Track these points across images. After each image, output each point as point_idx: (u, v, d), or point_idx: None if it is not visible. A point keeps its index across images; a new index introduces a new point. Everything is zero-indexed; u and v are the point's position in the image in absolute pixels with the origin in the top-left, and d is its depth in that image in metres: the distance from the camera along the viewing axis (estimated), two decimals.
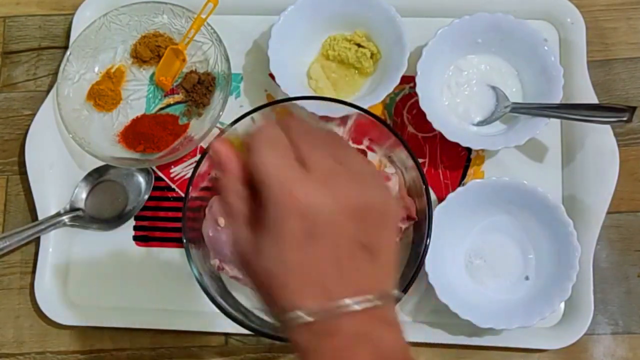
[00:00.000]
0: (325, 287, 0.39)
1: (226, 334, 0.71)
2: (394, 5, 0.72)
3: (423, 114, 0.70)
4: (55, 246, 0.73)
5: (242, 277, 0.66)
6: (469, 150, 0.74)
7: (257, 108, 0.66)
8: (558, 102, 0.70)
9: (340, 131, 0.72)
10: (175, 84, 0.78)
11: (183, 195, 0.71)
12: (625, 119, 0.67)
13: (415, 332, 0.68)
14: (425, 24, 0.75)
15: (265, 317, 0.66)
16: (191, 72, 0.77)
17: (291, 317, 0.40)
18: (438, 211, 0.67)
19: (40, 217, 0.73)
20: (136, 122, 0.76)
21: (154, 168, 0.75)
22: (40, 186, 0.75)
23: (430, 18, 0.76)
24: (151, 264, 0.73)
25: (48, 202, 0.74)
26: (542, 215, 0.68)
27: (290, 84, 0.72)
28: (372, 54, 0.74)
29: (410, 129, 0.75)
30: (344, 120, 0.72)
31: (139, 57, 0.78)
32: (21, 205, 0.77)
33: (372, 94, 0.71)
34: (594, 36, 0.76)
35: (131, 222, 0.75)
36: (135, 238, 0.74)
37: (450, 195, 0.68)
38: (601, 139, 0.71)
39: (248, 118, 0.66)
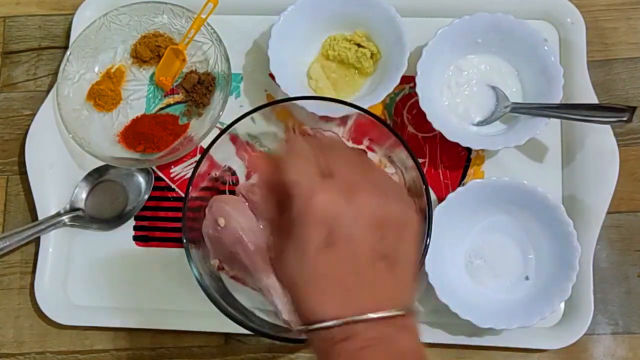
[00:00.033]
0: (343, 296, 0.40)
1: (226, 334, 0.71)
2: (394, 5, 0.72)
3: (423, 114, 0.70)
4: (55, 246, 0.73)
5: (242, 277, 0.66)
6: (469, 150, 0.74)
7: (257, 108, 0.66)
8: (558, 102, 0.70)
9: (340, 131, 0.72)
10: (175, 84, 0.78)
11: (183, 195, 0.71)
12: (625, 119, 0.67)
13: None
14: (425, 24, 0.75)
15: (266, 317, 0.66)
16: (191, 72, 0.77)
17: (309, 322, 0.41)
18: (438, 211, 0.67)
19: (40, 217, 0.73)
20: (136, 122, 0.76)
21: (154, 168, 0.75)
22: (40, 186, 0.75)
23: (430, 18, 0.76)
24: (151, 264, 0.73)
25: (48, 202, 0.74)
26: (542, 215, 0.68)
27: (290, 84, 0.72)
28: (372, 54, 0.74)
29: (410, 129, 0.75)
30: (344, 120, 0.72)
31: (139, 57, 0.78)
32: (21, 205, 0.77)
33: (372, 94, 0.71)
34: (594, 36, 0.76)
35: (131, 222, 0.75)
36: (135, 238, 0.74)
37: (450, 195, 0.68)
38: (601, 139, 0.71)
39: (248, 118, 0.66)
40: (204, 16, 0.74)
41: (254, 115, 0.66)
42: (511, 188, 0.68)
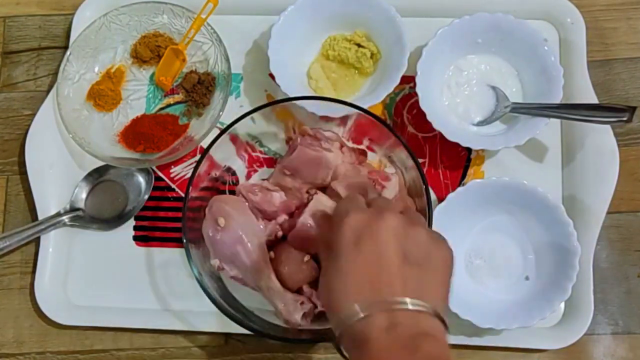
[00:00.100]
0: (369, 289, 0.43)
1: (226, 334, 0.71)
2: (394, 5, 0.72)
3: (423, 114, 0.70)
4: (55, 246, 0.73)
5: (242, 277, 0.66)
6: (469, 150, 0.74)
7: (257, 108, 0.66)
8: (558, 102, 0.70)
9: (340, 131, 0.72)
10: (175, 84, 0.78)
11: (183, 195, 0.71)
12: (625, 119, 0.67)
13: None
14: (425, 24, 0.75)
15: (266, 317, 0.66)
16: (191, 72, 0.77)
17: (342, 319, 0.43)
18: (438, 211, 0.67)
19: (40, 217, 0.73)
20: (136, 122, 0.76)
21: (154, 168, 0.75)
22: (40, 186, 0.75)
23: (430, 18, 0.76)
24: (151, 264, 0.73)
25: (48, 202, 0.74)
26: (542, 215, 0.68)
27: (290, 84, 0.72)
28: (372, 54, 0.74)
29: (410, 129, 0.75)
30: (344, 120, 0.72)
31: (139, 57, 0.78)
32: (21, 205, 0.77)
33: (372, 94, 0.71)
34: (594, 36, 0.76)
35: (131, 222, 0.75)
36: (135, 238, 0.74)
37: (450, 195, 0.68)
38: (601, 139, 0.71)
39: (248, 118, 0.66)
40: (204, 16, 0.74)
41: (254, 115, 0.66)
42: (511, 188, 0.68)
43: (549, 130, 0.72)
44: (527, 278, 0.69)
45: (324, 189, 0.68)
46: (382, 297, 0.43)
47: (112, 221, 0.74)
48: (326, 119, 0.72)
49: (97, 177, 0.75)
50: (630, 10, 0.78)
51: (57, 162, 0.75)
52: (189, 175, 0.67)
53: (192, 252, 0.64)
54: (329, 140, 0.69)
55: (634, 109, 0.67)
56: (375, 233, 0.45)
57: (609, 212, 0.70)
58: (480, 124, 0.73)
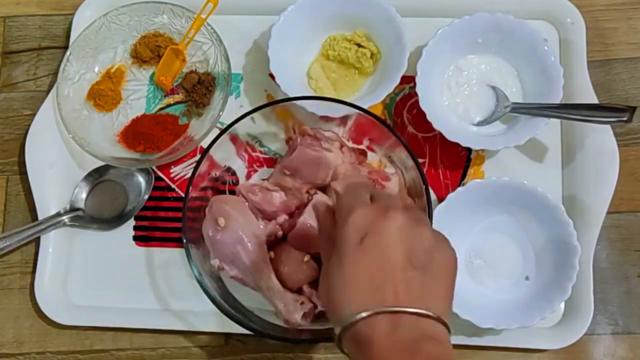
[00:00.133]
0: (373, 291, 0.43)
1: (226, 334, 0.71)
2: (394, 5, 0.72)
3: (423, 114, 0.70)
4: (55, 246, 0.73)
5: (242, 277, 0.66)
6: (469, 150, 0.74)
7: (257, 108, 0.66)
8: (558, 102, 0.70)
9: (340, 131, 0.72)
10: (175, 84, 0.78)
11: (183, 195, 0.71)
12: (625, 119, 0.67)
13: None
14: (425, 24, 0.75)
15: (266, 317, 0.66)
16: (191, 72, 0.77)
17: (341, 319, 0.43)
18: (438, 211, 0.67)
19: (40, 217, 0.73)
20: (136, 122, 0.76)
21: (154, 168, 0.75)
22: (40, 186, 0.75)
23: (430, 18, 0.76)
24: (151, 264, 0.73)
25: (48, 202, 0.74)
26: (542, 215, 0.68)
27: (290, 84, 0.72)
28: (372, 54, 0.74)
29: (410, 129, 0.75)
30: (344, 120, 0.72)
31: (139, 57, 0.78)
32: (21, 205, 0.77)
33: (372, 94, 0.71)
34: (594, 36, 0.76)
35: (131, 222, 0.75)
36: (135, 238, 0.74)
37: (450, 195, 0.68)
38: (601, 139, 0.71)
39: (248, 118, 0.66)
40: (204, 16, 0.74)
41: (254, 115, 0.66)
42: (511, 188, 0.68)
43: (549, 130, 0.72)
44: (527, 278, 0.69)
45: (324, 189, 0.68)
46: (385, 303, 0.42)
47: (112, 221, 0.74)
48: (326, 119, 0.72)
49: (97, 177, 0.75)
50: (630, 10, 0.78)
51: (57, 162, 0.75)
52: (189, 175, 0.67)
53: (192, 252, 0.64)
54: (329, 140, 0.69)
55: (634, 109, 0.67)
56: (381, 233, 0.44)
57: (609, 212, 0.70)
58: (480, 124, 0.73)
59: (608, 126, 0.71)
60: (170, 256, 0.73)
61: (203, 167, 0.65)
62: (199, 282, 0.63)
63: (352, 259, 0.44)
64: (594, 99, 0.73)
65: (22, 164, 0.77)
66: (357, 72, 0.75)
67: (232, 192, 0.71)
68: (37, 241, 0.74)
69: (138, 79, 0.79)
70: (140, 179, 0.75)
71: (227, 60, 0.74)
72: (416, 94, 0.70)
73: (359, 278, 0.43)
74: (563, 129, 0.74)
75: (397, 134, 0.64)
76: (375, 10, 0.73)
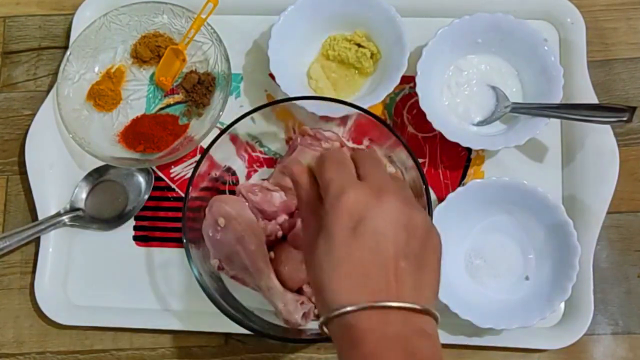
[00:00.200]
0: (364, 283, 0.42)
1: (226, 334, 0.71)
2: (394, 5, 0.72)
3: (423, 114, 0.70)
4: (55, 246, 0.73)
5: (242, 277, 0.66)
6: (469, 150, 0.74)
7: (257, 108, 0.66)
8: (558, 102, 0.70)
9: (340, 131, 0.72)
10: (175, 84, 0.78)
11: (183, 195, 0.71)
12: (625, 119, 0.67)
13: None
14: (425, 24, 0.75)
15: (266, 317, 0.66)
16: (191, 72, 0.77)
17: (330, 310, 0.42)
18: (438, 211, 0.67)
19: (40, 217, 0.73)
20: (136, 122, 0.76)
21: (154, 168, 0.75)
22: (40, 186, 0.75)
23: (430, 18, 0.76)
24: (151, 264, 0.73)
25: (48, 202, 0.74)
26: (542, 215, 0.68)
27: (290, 84, 0.72)
28: (372, 54, 0.74)
29: (410, 129, 0.75)
30: (344, 120, 0.72)
31: (139, 57, 0.78)
32: (21, 205, 0.77)
33: (372, 94, 0.71)
34: (594, 36, 0.76)
35: (131, 222, 0.75)
36: (135, 238, 0.74)
37: (450, 195, 0.68)
38: (601, 139, 0.71)
39: (248, 118, 0.66)
40: (204, 16, 0.74)
41: (254, 115, 0.66)
42: (511, 188, 0.68)
43: (549, 130, 0.72)
44: (527, 278, 0.69)
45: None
46: (377, 297, 0.41)
47: (112, 221, 0.74)
48: (326, 119, 0.72)
49: (97, 177, 0.75)
50: (630, 10, 0.78)
51: (57, 162, 0.75)
52: (189, 175, 0.67)
53: (192, 252, 0.64)
54: (329, 140, 0.69)
55: (634, 109, 0.67)
56: (375, 220, 0.42)
57: (609, 212, 0.70)
58: (480, 124, 0.73)
59: (608, 126, 0.71)
60: (170, 256, 0.73)
61: (203, 167, 0.65)
62: (199, 282, 0.63)
63: (344, 246, 0.42)
64: (594, 99, 0.73)
65: (22, 164, 0.77)
66: (357, 72, 0.75)
67: (232, 192, 0.71)
68: (37, 241, 0.74)
69: (138, 79, 0.79)
70: (140, 179, 0.75)
71: (227, 60, 0.74)
72: (416, 94, 0.70)
73: (350, 268, 0.42)
74: (563, 129, 0.74)
75: (397, 134, 0.64)
76: (375, 10, 0.73)
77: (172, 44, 0.78)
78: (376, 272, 0.42)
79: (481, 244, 0.70)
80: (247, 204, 0.68)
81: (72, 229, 0.74)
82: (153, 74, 0.78)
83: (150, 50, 0.78)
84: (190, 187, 0.64)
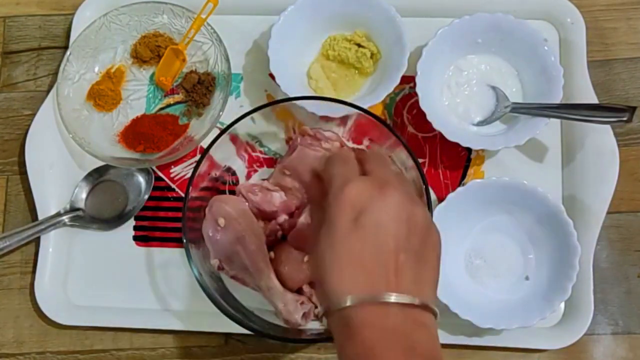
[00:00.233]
0: (364, 276, 0.42)
1: (226, 334, 0.71)
2: (394, 5, 0.72)
3: (423, 114, 0.70)
4: (55, 246, 0.73)
5: (242, 277, 0.66)
6: (469, 150, 0.74)
7: (257, 108, 0.66)
8: (558, 102, 0.70)
9: (340, 131, 0.72)
10: (175, 84, 0.78)
11: (183, 195, 0.71)
12: (625, 119, 0.67)
13: None
14: (425, 24, 0.75)
15: (266, 317, 0.66)
16: (191, 72, 0.77)
17: (331, 302, 0.42)
18: (438, 211, 0.67)
19: (40, 217, 0.73)
20: (136, 122, 0.76)
21: (154, 168, 0.75)
22: (40, 186, 0.75)
23: (430, 18, 0.76)
24: (151, 264, 0.73)
25: (48, 202, 0.74)
26: (542, 215, 0.68)
27: (290, 84, 0.72)
28: (372, 54, 0.74)
29: (410, 129, 0.75)
30: (344, 120, 0.72)
31: (139, 57, 0.78)
32: (21, 205, 0.77)
33: (372, 94, 0.71)
34: (594, 36, 0.76)
35: (131, 222, 0.75)
36: (135, 238, 0.74)
37: (450, 195, 0.68)
38: (601, 139, 0.71)
39: (248, 118, 0.66)
40: (204, 16, 0.74)
41: (254, 115, 0.66)
42: (511, 188, 0.68)
43: (549, 130, 0.72)
44: (527, 278, 0.69)
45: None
46: (377, 290, 0.41)
47: (112, 221, 0.74)
48: (326, 119, 0.72)
49: (97, 177, 0.75)
50: (630, 10, 0.78)
51: (57, 162, 0.75)
52: (189, 175, 0.67)
53: (192, 252, 0.64)
54: (329, 140, 0.69)
55: (634, 109, 0.67)
56: (377, 212, 0.43)
57: (609, 212, 0.70)
58: (480, 124, 0.73)
59: (608, 126, 0.71)
60: (170, 256, 0.73)
61: (203, 167, 0.65)
62: (199, 282, 0.63)
63: (345, 238, 0.43)
64: (594, 99, 0.73)
65: (22, 164, 0.77)
66: (357, 72, 0.75)
67: (232, 192, 0.71)
68: (37, 241, 0.74)
69: (138, 79, 0.79)
70: (140, 179, 0.75)
71: (227, 60, 0.74)
72: (416, 94, 0.70)
73: (351, 260, 0.42)
74: (563, 129, 0.74)
75: (397, 134, 0.64)
76: (375, 10, 0.73)
77: (172, 44, 0.78)
78: (376, 265, 0.42)
79: (481, 244, 0.70)
80: (247, 204, 0.68)
81: (72, 229, 0.74)
82: (153, 74, 0.78)
83: (150, 50, 0.78)
84: (190, 187, 0.64)
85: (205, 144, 0.68)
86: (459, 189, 0.68)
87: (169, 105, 0.78)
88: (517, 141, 0.69)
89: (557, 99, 0.70)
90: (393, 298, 0.41)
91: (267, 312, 0.66)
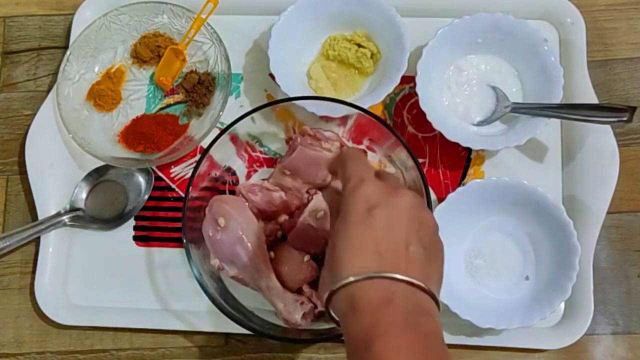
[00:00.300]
0: (375, 257, 0.43)
1: (226, 334, 0.71)
2: (394, 5, 0.72)
3: (423, 114, 0.70)
4: (55, 246, 0.73)
5: (242, 277, 0.66)
6: (469, 150, 0.74)
7: (257, 108, 0.66)
8: (558, 102, 0.70)
9: (340, 131, 0.72)
10: (175, 84, 0.78)
11: (183, 195, 0.71)
12: (625, 119, 0.67)
13: None
14: (425, 24, 0.75)
15: (266, 317, 0.66)
16: (191, 72, 0.77)
17: (341, 277, 0.43)
18: (438, 211, 0.67)
19: (40, 217, 0.73)
20: (136, 122, 0.76)
21: (154, 168, 0.75)
22: (40, 186, 0.75)
23: (430, 18, 0.76)
24: (151, 264, 0.73)
25: (48, 202, 0.74)
26: (542, 215, 0.68)
27: (290, 84, 0.72)
28: (372, 54, 0.74)
29: (410, 129, 0.75)
30: (344, 120, 0.72)
31: (139, 57, 0.78)
32: (21, 205, 0.77)
33: (372, 94, 0.71)
34: (594, 36, 0.76)
35: (131, 222, 0.75)
36: (135, 238, 0.74)
37: (450, 195, 0.68)
38: (601, 139, 0.71)
39: (248, 118, 0.66)
40: (204, 16, 0.74)
41: (254, 115, 0.66)
42: (511, 188, 0.68)
43: (549, 130, 0.72)
44: (527, 278, 0.69)
45: (324, 189, 0.68)
46: (387, 268, 0.43)
47: (112, 221, 0.74)
48: (326, 119, 0.72)
49: (97, 177, 0.75)
50: (630, 10, 0.78)
51: (57, 162, 0.75)
52: (189, 175, 0.67)
53: (192, 252, 0.64)
54: (329, 140, 0.69)
55: (634, 109, 0.67)
56: (390, 207, 0.45)
57: (609, 212, 0.70)
58: (480, 124, 0.73)
59: (608, 126, 0.71)
60: (170, 256, 0.73)
61: (203, 167, 0.65)
62: (199, 282, 0.63)
63: (359, 225, 0.44)
64: (594, 99, 0.73)
65: (22, 164, 0.77)
66: (357, 72, 0.75)
67: (232, 192, 0.71)
68: (37, 241, 0.74)
69: (138, 79, 0.79)
70: (140, 179, 0.75)
71: (227, 60, 0.74)
72: (416, 94, 0.70)
73: (363, 242, 0.44)
74: (563, 129, 0.74)
75: (397, 134, 0.64)
76: (375, 10, 0.73)
77: (172, 44, 0.78)
78: (387, 250, 0.43)
79: (481, 244, 0.70)
80: (247, 204, 0.68)
81: (72, 229, 0.74)
82: (153, 74, 0.78)
83: (150, 50, 0.78)
84: (190, 187, 0.64)
85: (205, 144, 0.68)
86: (459, 189, 0.68)
87: (169, 105, 0.78)
88: (517, 141, 0.69)
89: (557, 99, 0.70)
90: (400, 275, 0.42)
91: (267, 312, 0.66)
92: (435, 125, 0.69)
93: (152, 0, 0.76)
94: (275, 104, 0.68)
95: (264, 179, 0.72)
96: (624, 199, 0.73)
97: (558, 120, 0.73)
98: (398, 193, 0.46)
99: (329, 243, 0.47)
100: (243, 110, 0.74)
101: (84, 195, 0.75)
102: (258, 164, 0.74)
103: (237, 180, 0.74)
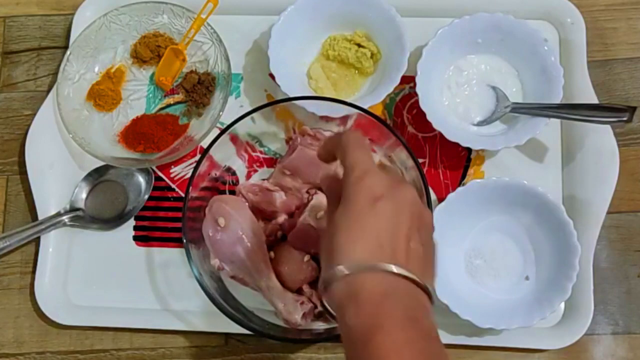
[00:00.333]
0: (375, 247, 0.43)
1: (226, 334, 0.71)
2: (394, 5, 0.72)
3: (423, 114, 0.70)
4: (55, 246, 0.73)
5: (242, 277, 0.66)
6: (469, 150, 0.74)
7: (257, 108, 0.66)
8: (558, 102, 0.70)
9: (341, 131, 0.72)
10: (175, 84, 0.78)
11: (183, 195, 0.71)
12: (625, 119, 0.67)
13: None
14: (425, 24, 0.75)
15: (266, 317, 0.66)
16: (191, 72, 0.77)
17: (338, 268, 0.43)
18: (438, 211, 0.67)
19: (40, 217, 0.73)
20: (136, 122, 0.76)
21: (154, 168, 0.75)
22: (40, 186, 0.75)
23: (430, 18, 0.76)
24: (151, 264, 0.73)
25: (48, 202, 0.74)
26: (542, 215, 0.68)
27: (290, 84, 0.72)
28: (372, 54, 0.74)
29: (410, 129, 0.75)
30: (344, 120, 0.72)
31: (139, 57, 0.78)
32: (21, 205, 0.77)
33: (372, 94, 0.71)
34: (594, 36, 0.76)
35: (131, 222, 0.75)
36: (135, 238, 0.74)
37: (450, 195, 0.68)
38: (601, 139, 0.71)
39: (248, 118, 0.66)
40: (204, 16, 0.74)
41: (254, 115, 0.66)
42: (511, 188, 0.68)
43: (549, 130, 0.72)
44: (527, 278, 0.69)
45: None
46: (387, 261, 0.43)
47: (112, 221, 0.74)
48: (326, 119, 0.72)
49: (97, 177, 0.75)
50: (630, 10, 0.78)
51: (57, 162, 0.75)
52: (189, 175, 0.67)
53: (192, 252, 0.64)
54: None
55: (634, 109, 0.67)
56: (394, 200, 0.45)
57: (609, 212, 0.70)
58: (480, 124, 0.73)
59: (608, 126, 0.71)
60: (170, 256, 0.73)
61: (203, 167, 0.65)
62: (199, 282, 0.63)
63: (361, 215, 0.44)
64: (594, 99, 0.73)
65: (22, 164, 0.77)
66: (357, 72, 0.75)
67: (232, 192, 0.71)
68: (37, 241, 0.74)
69: (138, 79, 0.79)
70: (140, 179, 0.75)
71: (227, 60, 0.74)
72: (416, 94, 0.70)
73: (364, 234, 0.44)
74: (563, 129, 0.74)
75: (397, 134, 0.64)
76: (375, 10, 0.73)
77: (172, 44, 0.78)
78: (388, 243, 0.43)
79: (481, 244, 0.70)
80: (247, 204, 0.68)
81: (72, 229, 0.74)
82: (153, 74, 0.78)
83: (150, 50, 0.78)
84: (190, 187, 0.64)
85: (205, 144, 0.68)
86: (459, 189, 0.68)
87: (169, 105, 0.78)
88: (517, 141, 0.69)
89: (557, 99, 0.70)
90: (401, 270, 0.42)
91: (267, 312, 0.66)
92: (435, 125, 0.69)
93: (152, 0, 0.76)
94: (275, 104, 0.68)
95: (264, 179, 0.72)
96: (624, 199, 0.73)
97: (558, 120, 0.73)
98: (402, 187, 0.46)
99: (326, 230, 0.46)
100: (243, 110, 0.74)
101: (84, 195, 0.75)
102: (258, 164, 0.74)
103: (237, 180, 0.74)
